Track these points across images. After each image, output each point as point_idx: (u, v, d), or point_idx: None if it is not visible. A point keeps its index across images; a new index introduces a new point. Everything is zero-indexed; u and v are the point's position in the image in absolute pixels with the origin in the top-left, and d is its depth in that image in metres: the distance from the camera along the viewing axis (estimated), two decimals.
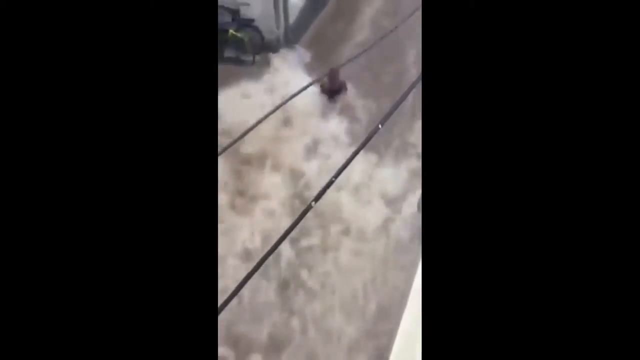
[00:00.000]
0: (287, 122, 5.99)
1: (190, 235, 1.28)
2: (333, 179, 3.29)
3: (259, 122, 4.55)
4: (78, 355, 1.19)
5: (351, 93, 6.83)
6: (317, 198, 3.21)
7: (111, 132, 1.23)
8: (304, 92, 5.74)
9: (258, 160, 5.61)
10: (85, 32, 1.22)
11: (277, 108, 4.57)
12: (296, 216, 3.22)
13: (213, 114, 1.33)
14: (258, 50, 7.51)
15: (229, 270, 4.32)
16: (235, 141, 4.18)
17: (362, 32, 8.29)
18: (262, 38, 7.57)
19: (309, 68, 7.32)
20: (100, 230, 1.21)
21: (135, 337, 1.23)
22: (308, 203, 3.41)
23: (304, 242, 4.70)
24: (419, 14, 6.18)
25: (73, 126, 1.21)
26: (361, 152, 3.81)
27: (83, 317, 1.20)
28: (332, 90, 6.62)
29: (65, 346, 1.18)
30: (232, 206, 5.18)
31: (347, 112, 6.58)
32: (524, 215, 1.20)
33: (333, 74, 6.61)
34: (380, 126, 3.67)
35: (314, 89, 6.52)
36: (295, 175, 5.55)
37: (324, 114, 6.45)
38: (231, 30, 7.31)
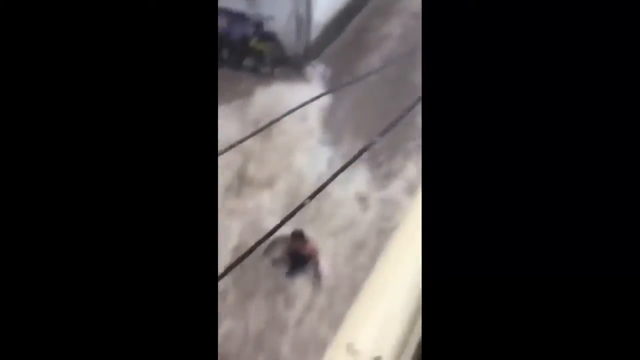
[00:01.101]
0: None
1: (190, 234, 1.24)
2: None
3: (266, 126, 4.71)
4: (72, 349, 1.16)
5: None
6: (312, 197, 3.28)
7: (107, 134, 1.21)
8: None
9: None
10: (82, 32, 1.20)
11: (287, 114, 4.66)
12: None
13: (213, 121, 1.29)
14: (277, 63, 7.67)
15: None
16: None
17: (383, 49, 8.41)
18: (283, 52, 7.74)
19: (328, 83, 7.45)
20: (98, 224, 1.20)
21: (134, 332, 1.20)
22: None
23: None
24: None
25: (70, 129, 1.19)
26: None
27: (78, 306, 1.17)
28: (300, 256, 5.00)
29: (58, 345, 1.15)
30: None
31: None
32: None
33: (297, 238, 4.91)
34: (377, 140, 3.62)
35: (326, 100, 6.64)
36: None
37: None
38: (253, 41, 7.51)
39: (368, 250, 5.45)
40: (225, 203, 5.65)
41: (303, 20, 7.64)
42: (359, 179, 6.29)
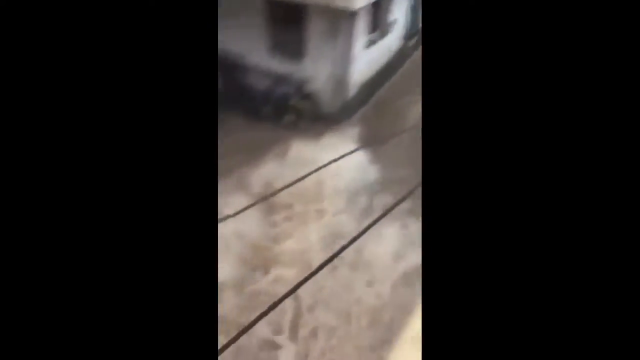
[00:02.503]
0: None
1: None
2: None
3: (299, 179, 4.93)
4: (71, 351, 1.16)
5: None
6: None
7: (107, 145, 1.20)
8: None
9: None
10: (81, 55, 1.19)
11: (318, 169, 4.93)
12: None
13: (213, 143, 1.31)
14: (315, 120, 8.17)
15: None
16: (273, 194, 4.65)
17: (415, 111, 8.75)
18: (320, 110, 8.26)
19: (360, 140, 7.81)
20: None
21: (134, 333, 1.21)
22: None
23: None
24: None
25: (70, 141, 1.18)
26: None
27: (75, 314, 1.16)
28: None
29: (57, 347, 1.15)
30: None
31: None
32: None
33: None
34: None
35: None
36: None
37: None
38: (293, 100, 8.08)
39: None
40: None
41: (340, 81, 8.16)
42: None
